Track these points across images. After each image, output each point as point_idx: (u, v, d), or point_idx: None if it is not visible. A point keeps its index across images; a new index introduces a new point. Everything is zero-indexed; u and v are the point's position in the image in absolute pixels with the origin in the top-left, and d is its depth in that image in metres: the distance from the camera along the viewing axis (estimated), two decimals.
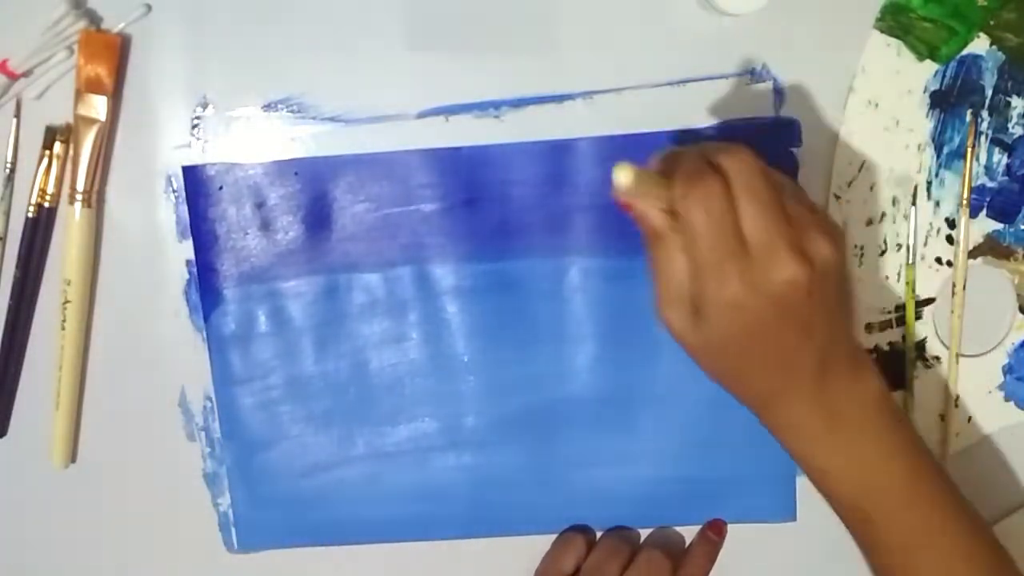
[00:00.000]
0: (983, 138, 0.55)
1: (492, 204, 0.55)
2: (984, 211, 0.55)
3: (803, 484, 0.57)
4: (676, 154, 0.45)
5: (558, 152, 0.54)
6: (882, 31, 0.53)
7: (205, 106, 0.54)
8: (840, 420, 0.46)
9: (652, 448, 0.57)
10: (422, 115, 0.54)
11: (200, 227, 0.55)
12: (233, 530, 0.58)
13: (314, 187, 0.55)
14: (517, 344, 0.56)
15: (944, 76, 0.54)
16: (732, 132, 0.54)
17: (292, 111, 0.54)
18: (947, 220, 0.55)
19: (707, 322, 0.43)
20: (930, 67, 0.54)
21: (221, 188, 0.55)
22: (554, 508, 0.58)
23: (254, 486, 0.57)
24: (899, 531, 0.47)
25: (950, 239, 0.56)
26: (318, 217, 0.55)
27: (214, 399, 0.57)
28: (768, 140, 0.54)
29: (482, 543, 0.58)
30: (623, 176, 0.40)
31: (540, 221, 0.55)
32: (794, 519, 0.58)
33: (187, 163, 0.54)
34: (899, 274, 0.56)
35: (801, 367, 0.44)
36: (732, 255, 0.42)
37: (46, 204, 0.55)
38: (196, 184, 0.55)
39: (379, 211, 0.55)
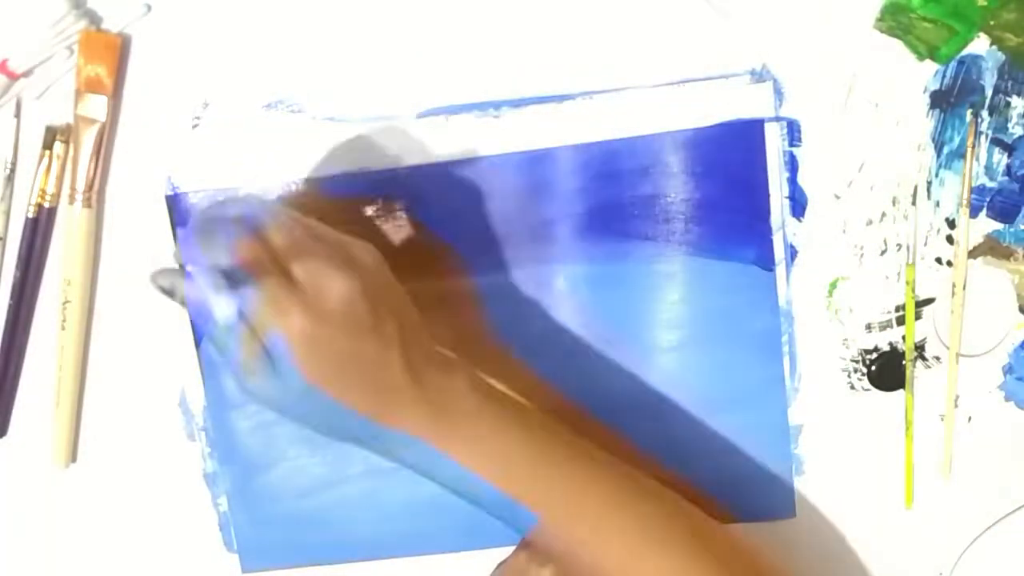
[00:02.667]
0: (983, 138, 0.55)
1: (474, 218, 0.55)
2: (984, 211, 0.55)
3: (801, 480, 0.57)
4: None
5: (536, 162, 0.54)
6: (882, 31, 0.53)
7: (205, 106, 0.54)
8: (452, 414, 0.46)
9: (648, 452, 0.57)
10: (422, 115, 0.54)
11: (188, 255, 0.55)
12: (237, 554, 0.58)
13: (298, 208, 0.55)
14: (507, 356, 0.56)
15: (944, 76, 0.54)
16: (731, 132, 0.54)
17: (292, 111, 0.54)
18: (947, 220, 0.55)
19: (289, 366, 0.43)
20: (930, 67, 0.54)
21: None
22: None
23: (255, 509, 0.58)
24: (546, 499, 0.48)
25: (950, 239, 0.56)
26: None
27: (210, 424, 0.57)
28: (767, 140, 0.54)
29: (482, 554, 0.58)
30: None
31: (523, 232, 0.55)
32: (794, 515, 0.58)
33: (181, 171, 0.54)
34: (899, 274, 0.56)
35: (392, 374, 0.45)
36: (287, 293, 0.43)
37: (46, 204, 0.55)
38: (180, 212, 0.55)
39: (364, 228, 0.55)
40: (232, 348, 0.44)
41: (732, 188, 0.54)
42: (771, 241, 0.55)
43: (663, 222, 0.55)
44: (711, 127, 0.54)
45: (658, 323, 0.56)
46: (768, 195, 0.54)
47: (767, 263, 0.55)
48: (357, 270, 0.44)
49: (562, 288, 0.55)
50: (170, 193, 0.55)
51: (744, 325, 0.56)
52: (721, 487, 0.57)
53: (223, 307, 0.43)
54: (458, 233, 0.55)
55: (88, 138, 0.53)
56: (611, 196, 0.54)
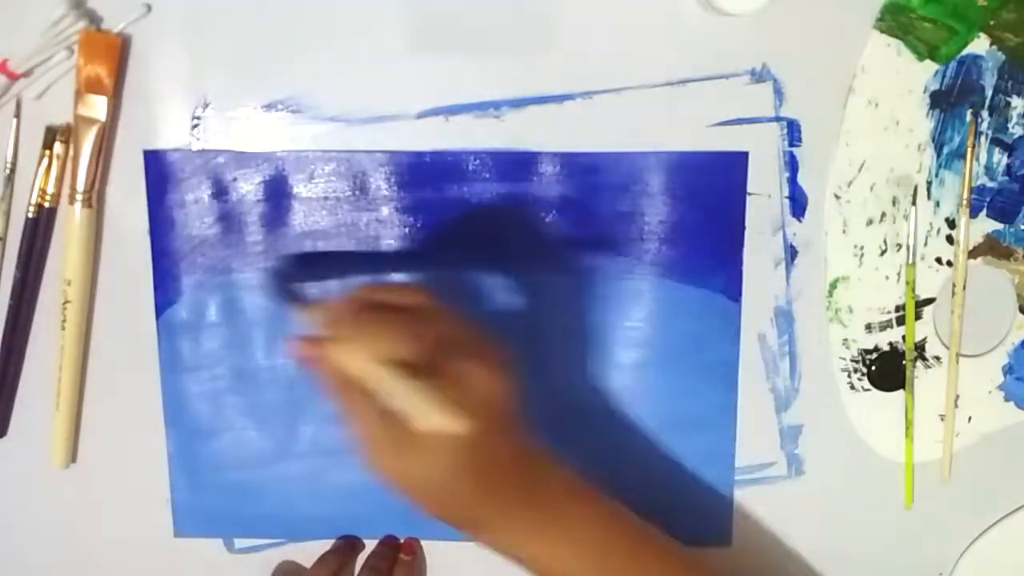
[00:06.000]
0: (983, 138, 0.55)
1: (452, 213, 0.54)
2: (984, 211, 0.55)
3: (801, 480, 0.57)
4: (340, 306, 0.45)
5: (522, 164, 0.54)
6: (882, 31, 0.53)
7: (205, 106, 0.54)
8: (551, 506, 0.46)
9: (598, 466, 0.55)
10: (422, 115, 0.54)
11: (158, 213, 0.55)
12: (171, 516, 0.58)
13: (276, 180, 0.55)
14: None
15: (944, 76, 0.54)
16: (716, 161, 0.54)
17: (292, 111, 0.54)
18: (947, 220, 0.55)
19: (421, 452, 0.43)
20: (930, 67, 0.54)
21: (182, 175, 0.55)
22: None
23: (194, 474, 0.57)
24: None
25: (950, 239, 0.56)
26: (278, 211, 0.55)
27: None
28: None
29: (425, 544, 0.58)
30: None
31: (499, 234, 0.55)
32: (729, 544, 0.58)
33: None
34: (899, 274, 0.56)
35: (508, 467, 0.45)
36: (435, 385, 0.42)
37: (46, 204, 0.55)
38: (157, 169, 0.54)
39: (339, 211, 0.55)
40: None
41: (710, 216, 0.54)
42: (740, 272, 0.55)
43: (638, 241, 0.55)
44: (697, 153, 0.54)
45: (619, 340, 0.56)
46: (744, 227, 0.54)
47: (734, 293, 0.55)
48: (498, 367, 0.44)
49: (527, 294, 0.55)
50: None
51: (704, 352, 0.56)
52: (657, 512, 0.53)
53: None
54: (430, 228, 0.55)
55: (88, 138, 0.53)
56: (590, 209, 0.54)
